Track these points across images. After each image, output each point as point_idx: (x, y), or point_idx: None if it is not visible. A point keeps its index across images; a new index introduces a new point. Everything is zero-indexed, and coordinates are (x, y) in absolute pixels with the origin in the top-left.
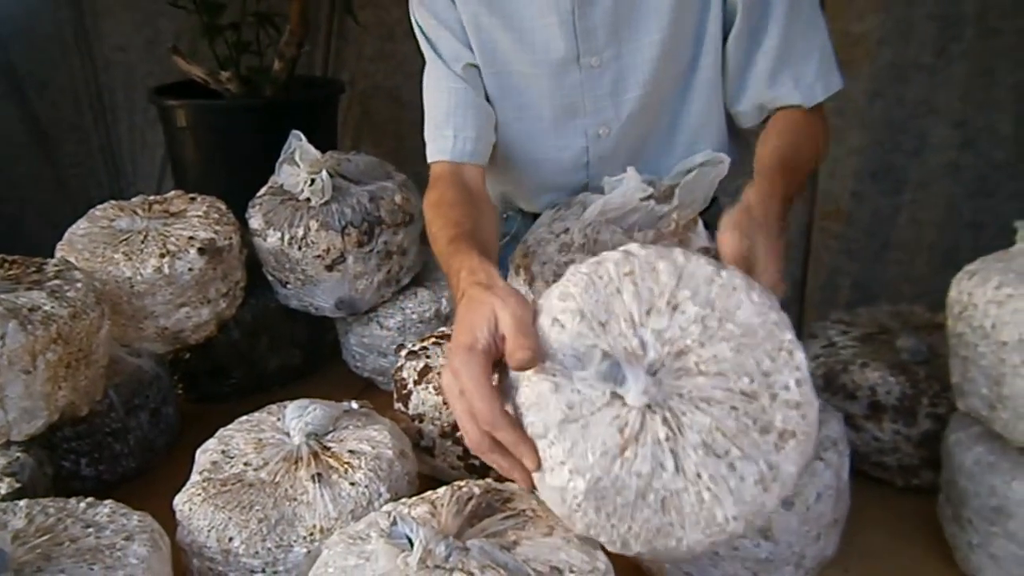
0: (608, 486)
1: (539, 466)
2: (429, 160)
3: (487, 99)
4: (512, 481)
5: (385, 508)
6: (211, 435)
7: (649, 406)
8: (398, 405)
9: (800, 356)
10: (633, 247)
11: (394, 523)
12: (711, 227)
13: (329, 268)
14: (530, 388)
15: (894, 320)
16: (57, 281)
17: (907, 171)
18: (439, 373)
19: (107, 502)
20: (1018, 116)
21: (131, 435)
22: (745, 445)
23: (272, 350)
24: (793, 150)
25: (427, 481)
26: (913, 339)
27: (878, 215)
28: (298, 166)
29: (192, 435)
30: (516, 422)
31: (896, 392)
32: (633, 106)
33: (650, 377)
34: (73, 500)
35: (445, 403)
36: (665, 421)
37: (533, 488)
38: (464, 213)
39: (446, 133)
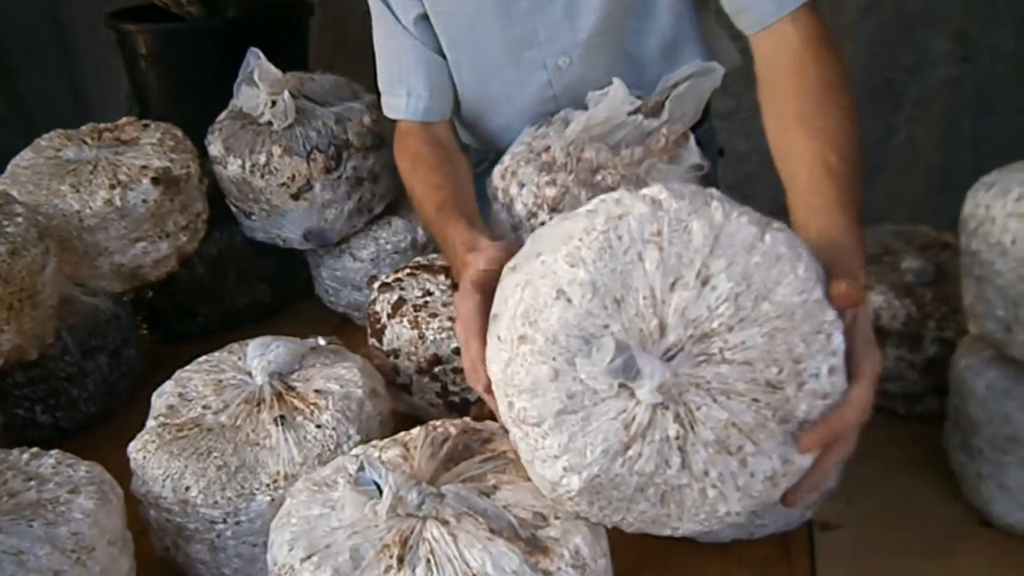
0: (605, 484)
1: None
2: (385, 114)
3: (441, 49)
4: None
5: (354, 452)
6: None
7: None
8: (372, 341)
9: (838, 339)
10: (664, 196)
11: (361, 468)
12: (703, 144)
13: (295, 197)
14: (525, 370)
15: (898, 240)
16: None
17: (905, 87)
18: (414, 306)
19: (53, 452)
20: (1019, 28)
21: (89, 379)
22: (761, 439)
23: (240, 286)
24: (835, 140)
25: (404, 420)
26: (919, 260)
27: (873, 135)
28: (257, 87)
29: (159, 378)
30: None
31: (901, 316)
32: (591, 30)
33: (666, 367)
34: (16, 451)
35: (421, 337)
36: (677, 418)
37: None
38: (444, 175)
39: (399, 91)
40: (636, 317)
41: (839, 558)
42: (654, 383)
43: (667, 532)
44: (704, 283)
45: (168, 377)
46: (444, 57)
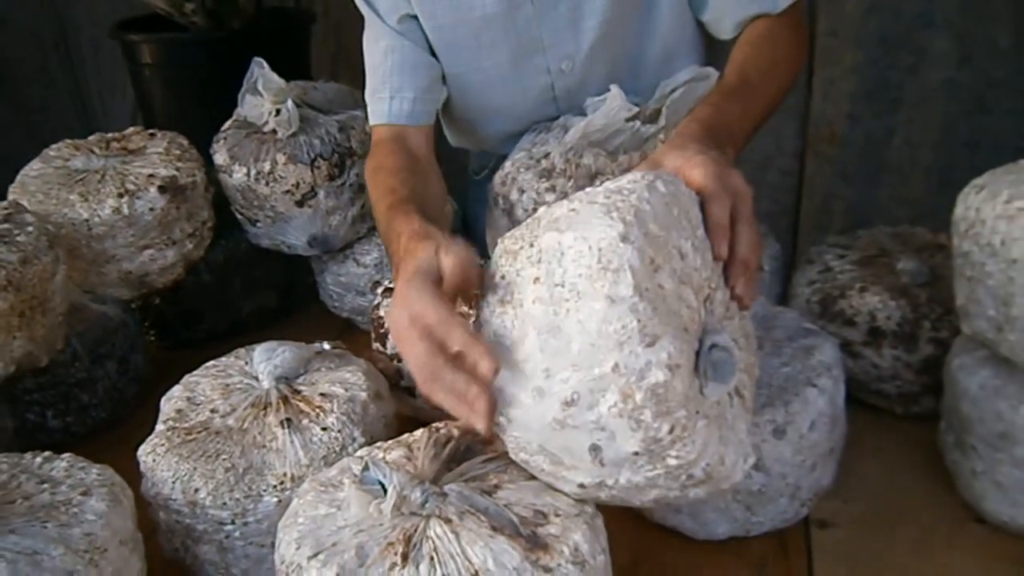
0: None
1: (497, 369)
2: (370, 122)
3: (432, 53)
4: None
5: (359, 453)
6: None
7: None
8: (376, 345)
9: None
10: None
11: (366, 468)
12: None
13: (299, 204)
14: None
15: (894, 242)
16: (6, 225)
17: (903, 89)
18: None
19: (65, 456)
20: (1018, 28)
21: (99, 384)
22: None
23: (246, 292)
24: (760, 60)
25: (407, 423)
26: (914, 261)
27: (872, 137)
28: (261, 96)
29: (166, 383)
30: (469, 326)
31: (896, 317)
32: (594, 35)
33: None
34: (29, 455)
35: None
36: None
37: (491, 417)
38: (401, 180)
39: (382, 95)
40: None
41: (836, 555)
42: None
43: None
44: None
45: (175, 382)
46: (434, 57)
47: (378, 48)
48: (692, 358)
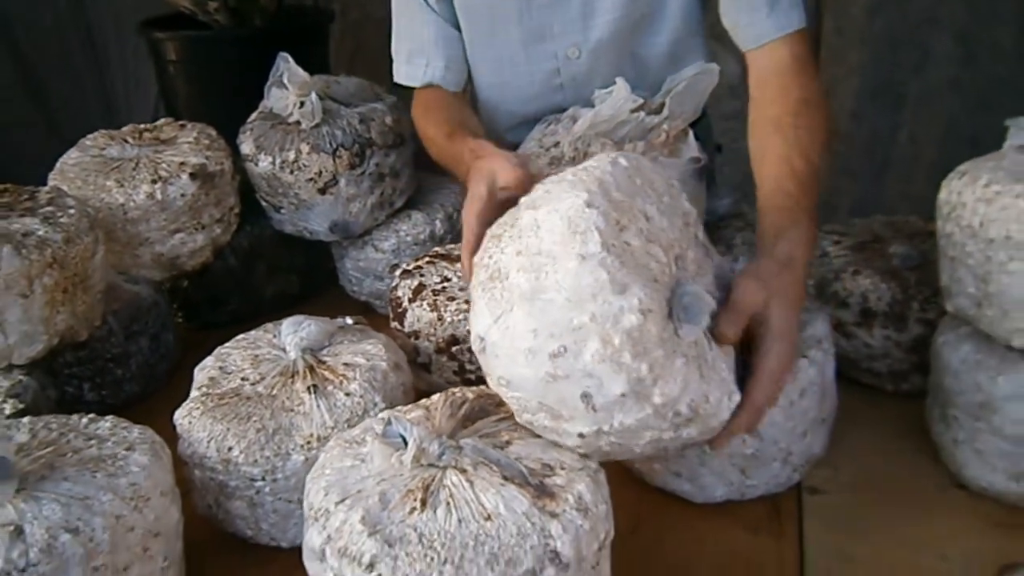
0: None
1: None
2: (397, 79)
3: (459, 25)
4: None
5: (380, 415)
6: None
7: None
8: (394, 324)
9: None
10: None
11: (388, 423)
12: (701, 139)
13: (322, 191)
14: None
15: (887, 229)
16: (50, 208)
17: (907, 87)
18: (433, 291)
19: (108, 417)
20: (1021, 29)
21: (132, 360)
22: None
23: (269, 277)
24: (803, 147)
25: (423, 396)
26: (905, 246)
27: (877, 134)
28: (287, 89)
29: (192, 362)
30: (477, 240)
31: (887, 298)
32: (603, 31)
33: None
34: (75, 416)
35: (439, 319)
36: None
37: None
38: (452, 113)
39: (418, 61)
40: None
41: (826, 519)
42: None
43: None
44: None
45: (201, 360)
46: (460, 32)
47: (413, 19)
48: (664, 305)
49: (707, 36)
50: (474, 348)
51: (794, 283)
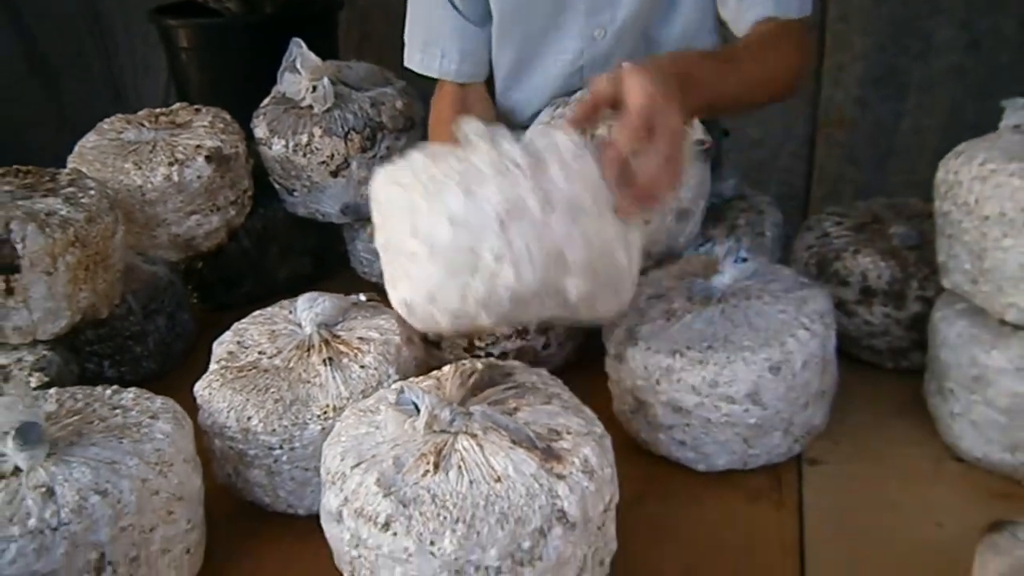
0: None
1: None
2: (409, 65)
3: (478, 19)
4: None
5: (393, 386)
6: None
7: None
8: None
9: None
10: None
11: (401, 392)
12: (707, 123)
13: (334, 174)
14: None
15: (888, 211)
16: (71, 188)
17: (911, 75)
18: None
19: (131, 389)
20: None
21: (150, 338)
22: None
23: (282, 258)
24: (754, 46)
25: None
26: (905, 226)
27: (881, 122)
28: (299, 73)
29: (207, 341)
30: None
31: (886, 276)
32: (629, 11)
33: None
34: (99, 388)
35: None
36: None
37: None
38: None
39: (433, 51)
40: None
41: (825, 489)
42: None
43: None
44: None
45: (216, 339)
46: (477, 26)
47: (430, 10)
48: None
49: (716, 25)
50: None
51: (677, 87)
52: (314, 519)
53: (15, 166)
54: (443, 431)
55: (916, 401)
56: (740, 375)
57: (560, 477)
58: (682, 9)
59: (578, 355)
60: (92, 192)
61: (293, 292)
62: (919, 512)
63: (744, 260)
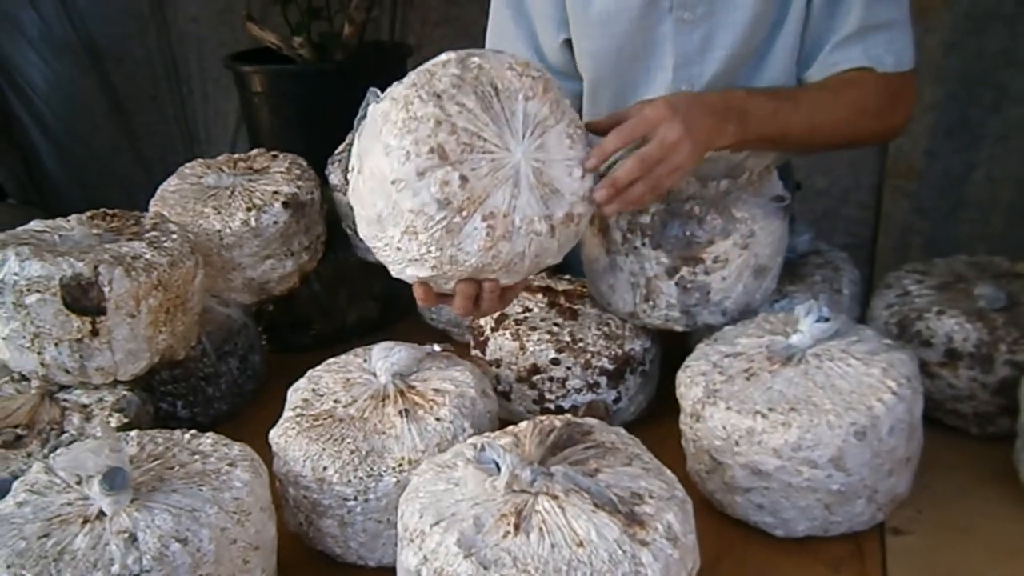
0: None
1: None
2: None
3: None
4: None
5: (470, 441)
6: (295, 382)
7: None
8: (475, 351)
9: None
10: None
11: (482, 449)
12: (782, 178)
13: None
14: None
15: (971, 270)
16: (155, 232)
17: (984, 126)
18: (515, 321)
19: (208, 434)
20: None
21: (222, 379)
22: None
23: (351, 303)
24: (828, 91)
25: (505, 424)
26: (991, 287)
27: (951, 173)
28: None
29: (277, 383)
30: None
31: (973, 339)
32: (718, 67)
33: None
34: (178, 432)
35: (521, 348)
36: None
37: None
38: None
39: None
40: None
41: (910, 560)
42: None
43: None
44: None
45: (285, 382)
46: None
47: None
48: None
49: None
50: None
51: (704, 113)
52: (384, 571)
53: (103, 209)
54: (523, 491)
55: (1005, 470)
56: (824, 439)
57: (644, 544)
58: (772, 62)
59: (649, 409)
60: (174, 236)
61: (360, 336)
62: None
63: (826, 320)
